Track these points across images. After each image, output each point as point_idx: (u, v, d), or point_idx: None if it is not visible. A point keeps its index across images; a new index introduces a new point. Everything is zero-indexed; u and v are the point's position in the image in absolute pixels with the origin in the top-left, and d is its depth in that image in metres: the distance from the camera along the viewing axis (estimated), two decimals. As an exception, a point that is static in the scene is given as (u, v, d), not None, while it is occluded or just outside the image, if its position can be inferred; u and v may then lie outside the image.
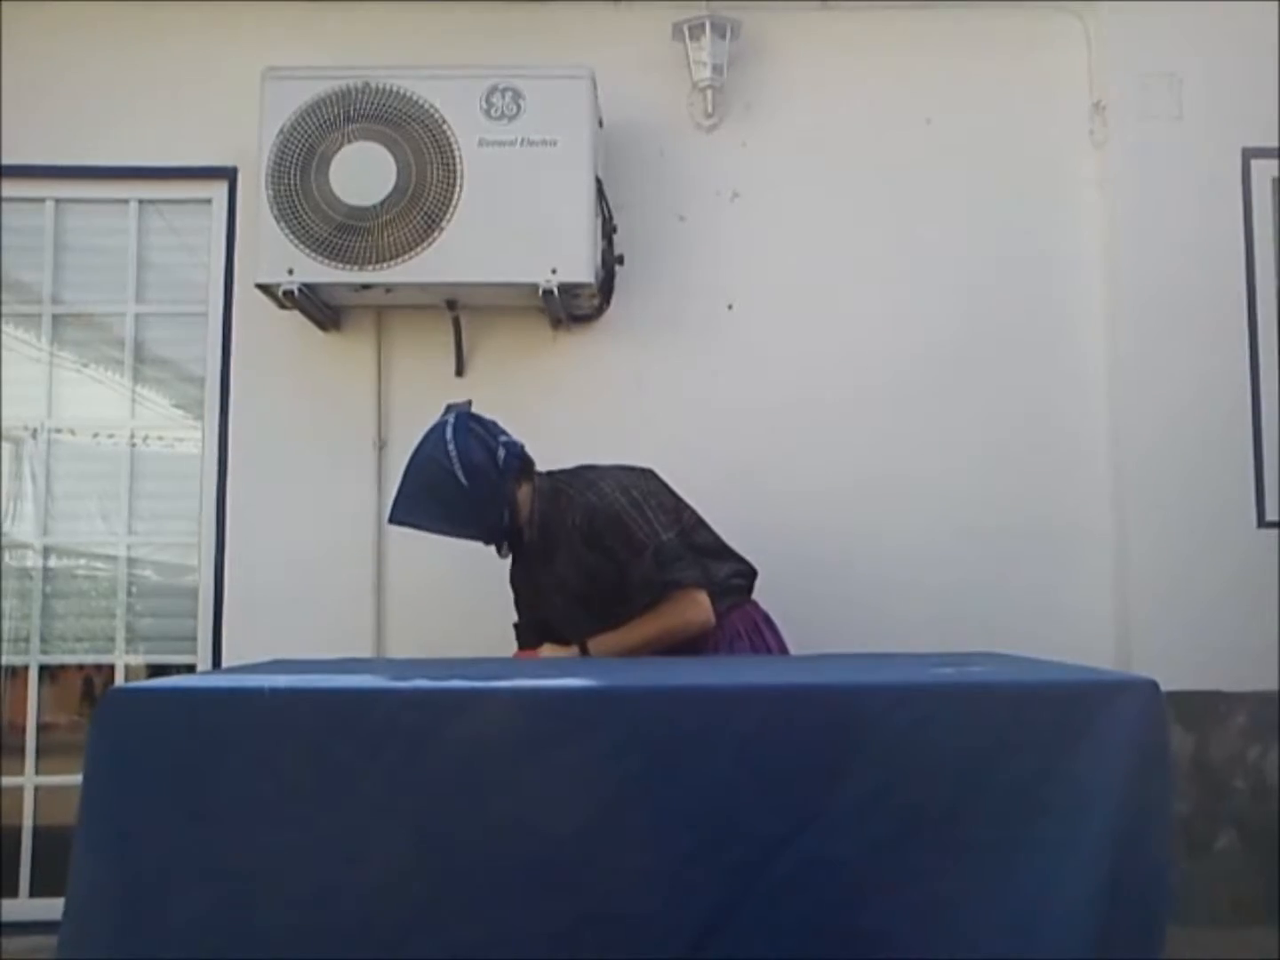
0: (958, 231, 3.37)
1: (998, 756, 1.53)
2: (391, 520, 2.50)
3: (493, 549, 2.60)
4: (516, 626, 2.73)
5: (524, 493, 2.56)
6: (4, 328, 3.36)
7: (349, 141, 2.97)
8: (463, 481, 2.43)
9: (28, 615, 3.30)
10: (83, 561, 3.37)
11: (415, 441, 2.53)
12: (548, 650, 2.53)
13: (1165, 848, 1.53)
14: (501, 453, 2.51)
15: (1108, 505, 3.28)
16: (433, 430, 2.52)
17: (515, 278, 3.01)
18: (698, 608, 2.48)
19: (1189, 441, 3.18)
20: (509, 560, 2.68)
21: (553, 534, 2.54)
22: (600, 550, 2.47)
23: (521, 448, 2.58)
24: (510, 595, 2.73)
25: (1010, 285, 3.35)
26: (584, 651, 2.48)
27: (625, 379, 3.32)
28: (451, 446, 2.44)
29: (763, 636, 2.61)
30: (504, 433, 2.57)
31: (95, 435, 3.40)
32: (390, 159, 2.96)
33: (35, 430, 3.35)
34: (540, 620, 2.66)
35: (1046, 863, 1.49)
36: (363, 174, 2.96)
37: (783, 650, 2.64)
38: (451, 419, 2.51)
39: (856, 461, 3.28)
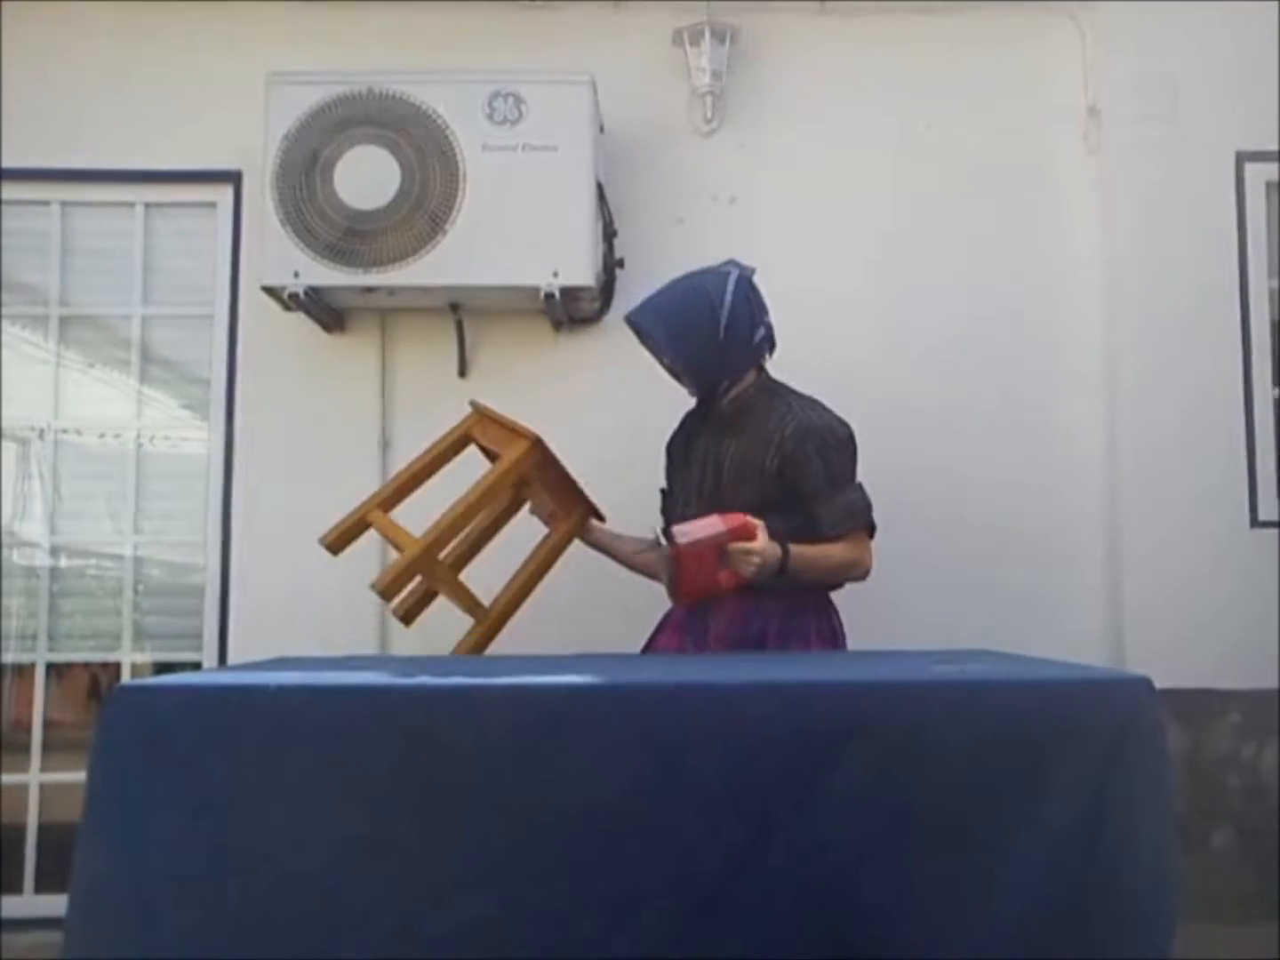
0: (954, 235, 3.38)
1: (992, 753, 1.52)
2: (629, 317, 2.51)
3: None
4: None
5: (751, 376, 2.56)
6: (11, 329, 3.39)
7: (353, 146, 3.00)
8: (720, 330, 2.44)
9: (35, 613, 3.33)
10: (90, 560, 3.40)
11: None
12: (762, 535, 2.30)
13: (1165, 845, 1.53)
14: (761, 331, 2.52)
15: (1103, 504, 3.30)
16: (716, 272, 2.52)
17: (517, 281, 3.04)
18: (871, 559, 2.51)
19: (1183, 442, 3.20)
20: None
21: (741, 423, 2.51)
22: (792, 465, 2.43)
23: (773, 333, 2.56)
24: None
25: (1007, 288, 3.36)
26: (784, 552, 2.36)
27: (626, 380, 3.33)
28: (729, 296, 2.45)
29: (830, 620, 2.58)
30: (768, 315, 2.56)
31: (102, 436, 3.42)
32: (394, 163, 2.99)
33: (42, 431, 3.38)
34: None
35: (1041, 860, 1.49)
36: (367, 178, 2.98)
37: (843, 641, 2.60)
38: (736, 273, 2.51)
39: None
